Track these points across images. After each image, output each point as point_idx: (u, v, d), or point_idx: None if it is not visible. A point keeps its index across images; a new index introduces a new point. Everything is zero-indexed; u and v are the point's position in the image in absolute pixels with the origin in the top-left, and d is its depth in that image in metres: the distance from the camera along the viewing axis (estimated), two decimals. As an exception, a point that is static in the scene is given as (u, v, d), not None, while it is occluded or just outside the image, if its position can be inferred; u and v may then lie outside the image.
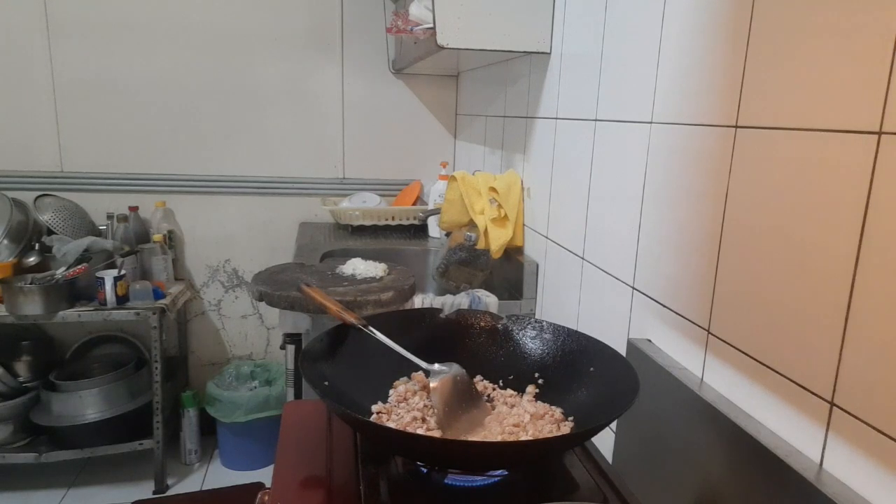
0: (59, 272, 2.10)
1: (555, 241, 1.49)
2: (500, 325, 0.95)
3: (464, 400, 0.82)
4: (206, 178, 2.53)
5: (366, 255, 1.42)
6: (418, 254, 2.15)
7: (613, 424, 1.09)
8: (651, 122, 1.03)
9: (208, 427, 2.49)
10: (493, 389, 0.89)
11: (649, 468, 0.95)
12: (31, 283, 2.06)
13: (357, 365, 0.86)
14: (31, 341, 2.42)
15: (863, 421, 0.62)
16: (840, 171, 0.65)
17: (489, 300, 1.53)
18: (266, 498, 0.78)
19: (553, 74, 1.50)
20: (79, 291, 2.17)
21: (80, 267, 2.11)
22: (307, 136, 2.57)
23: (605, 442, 1.12)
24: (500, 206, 1.67)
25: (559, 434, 0.78)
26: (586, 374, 0.85)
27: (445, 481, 0.74)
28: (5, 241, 2.18)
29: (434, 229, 2.29)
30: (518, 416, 0.81)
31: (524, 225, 1.71)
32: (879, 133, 0.60)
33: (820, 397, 0.67)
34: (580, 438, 0.75)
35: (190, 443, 2.47)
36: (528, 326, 0.93)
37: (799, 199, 0.70)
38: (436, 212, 2.09)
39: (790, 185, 0.72)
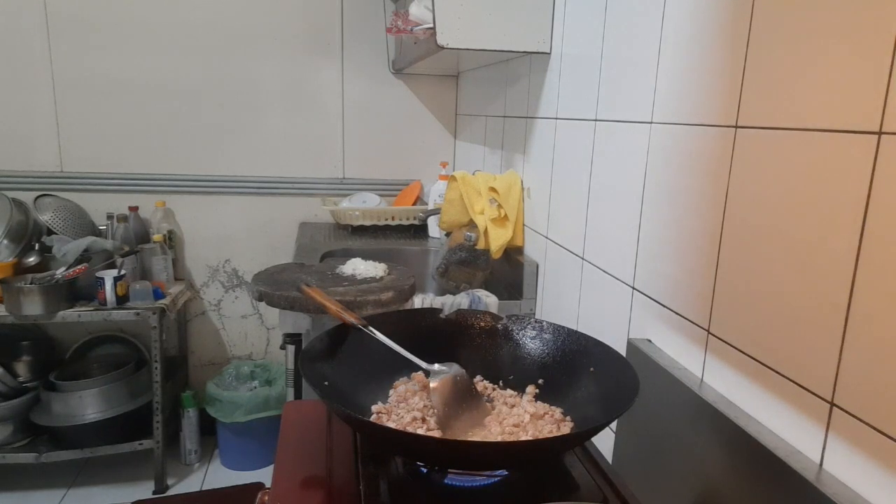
0: (59, 272, 2.10)
1: (555, 241, 1.49)
2: (500, 325, 0.95)
3: (464, 400, 0.82)
4: (206, 178, 2.53)
5: (366, 255, 1.42)
6: (418, 254, 2.15)
7: (613, 424, 1.09)
8: (651, 122, 1.03)
9: (208, 427, 2.49)
10: (493, 389, 0.89)
11: (649, 468, 0.95)
12: (31, 283, 2.06)
13: (357, 365, 0.86)
14: (31, 341, 2.43)
15: (863, 421, 0.62)
16: (840, 171, 0.65)
17: (489, 300, 1.53)
18: (266, 498, 0.78)
19: (553, 74, 1.50)
20: (79, 291, 2.17)
21: (80, 267, 2.11)
22: (307, 136, 2.57)
23: (605, 442, 1.12)
24: (500, 206, 1.67)
25: (559, 434, 0.78)
26: (586, 374, 0.85)
27: (445, 481, 0.74)
28: (5, 241, 2.18)
29: (434, 229, 2.29)
30: (518, 416, 0.81)
31: (524, 225, 1.71)
32: (879, 133, 0.60)
33: (820, 397, 0.67)
34: (580, 438, 0.75)
35: (190, 443, 2.47)
36: (528, 326, 0.93)
37: (799, 199, 0.70)
38: (436, 212, 2.09)
39: (790, 185, 0.72)
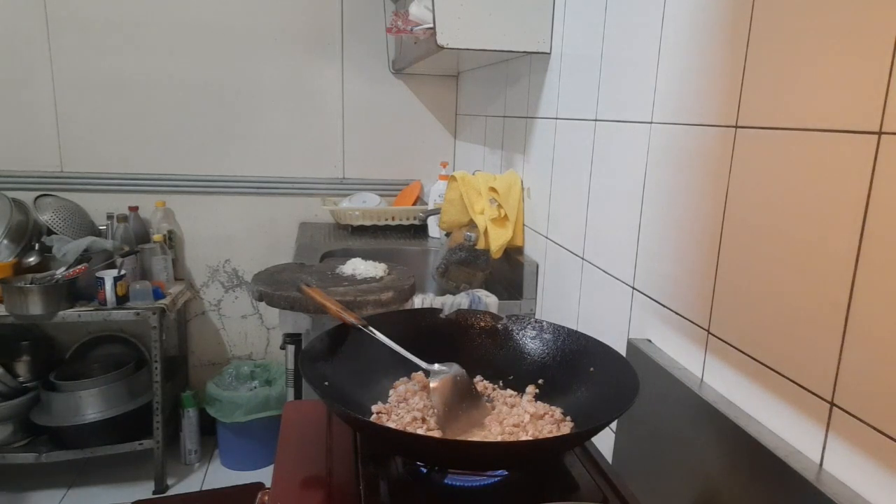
0: (59, 272, 2.10)
1: (555, 241, 1.49)
2: (500, 325, 0.95)
3: (464, 400, 0.82)
4: (206, 178, 2.53)
5: (366, 255, 1.42)
6: (418, 254, 2.15)
7: (613, 424, 1.09)
8: (651, 122, 1.03)
9: (208, 427, 2.49)
10: (493, 389, 0.89)
11: (649, 468, 0.95)
12: (31, 283, 2.06)
13: (357, 365, 0.86)
14: (31, 341, 2.42)
15: (863, 421, 0.62)
16: (840, 171, 0.65)
17: (489, 300, 1.53)
18: (266, 498, 0.78)
19: (553, 74, 1.50)
20: (79, 291, 2.17)
21: (80, 267, 2.11)
22: (307, 136, 2.57)
23: (605, 442, 1.12)
24: (500, 206, 1.67)
25: (559, 434, 0.78)
26: (586, 374, 0.85)
27: (445, 481, 0.74)
28: (5, 241, 2.18)
29: (434, 229, 2.29)
30: (518, 416, 0.81)
31: (524, 225, 1.71)
32: (879, 133, 0.60)
33: (820, 397, 0.67)
34: (580, 438, 0.75)
35: (190, 443, 2.47)
36: (528, 326, 0.93)
37: (799, 198, 0.70)
38: (436, 212, 2.09)
39: (790, 184, 0.72)
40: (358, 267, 1.37)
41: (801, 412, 0.70)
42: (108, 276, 2.13)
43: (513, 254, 1.71)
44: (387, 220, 2.37)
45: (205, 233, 2.57)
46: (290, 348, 1.63)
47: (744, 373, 0.80)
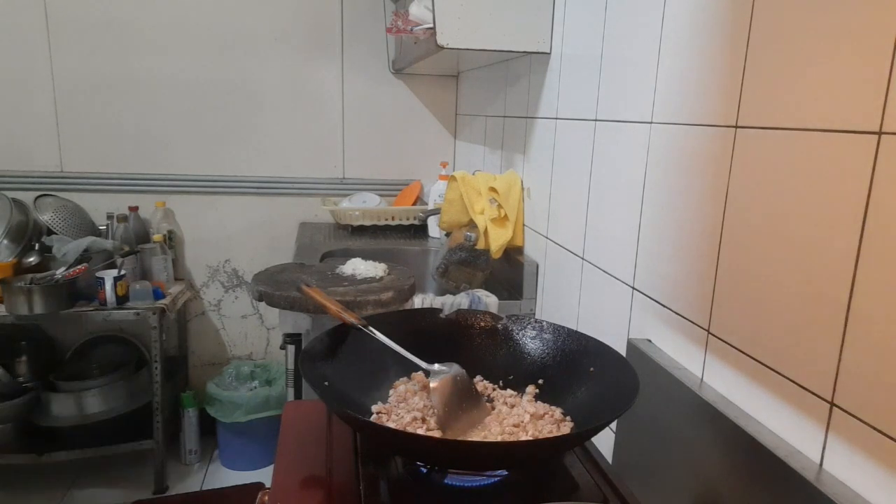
0: (59, 272, 2.10)
1: (555, 241, 1.49)
2: (500, 325, 0.95)
3: (464, 400, 0.82)
4: (206, 178, 2.53)
5: (366, 255, 1.42)
6: (418, 254, 2.15)
7: (613, 424, 1.09)
8: (651, 122, 1.03)
9: (208, 427, 2.49)
10: (493, 389, 0.89)
11: (649, 468, 0.95)
12: (31, 283, 2.06)
13: (357, 365, 0.86)
14: (31, 341, 2.42)
15: (863, 421, 0.62)
16: (840, 171, 0.65)
17: (489, 300, 1.53)
18: (266, 498, 0.78)
19: (553, 74, 1.50)
20: (79, 291, 2.17)
21: (80, 267, 2.11)
22: (307, 136, 2.57)
23: (605, 442, 1.12)
24: (500, 206, 1.67)
25: (559, 434, 0.78)
26: (586, 374, 0.85)
27: (445, 481, 0.74)
28: (5, 241, 2.18)
29: (434, 229, 2.29)
30: (518, 416, 0.81)
31: (524, 225, 1.71)
32: (879, 133, 0.60)
33: (820, 397, 0.67)
34: (580, 438, 0.75)
35: (190, 443, 2.47)
36: (528, 326, 0.93)
37: (799, 198, 0.70)
38: (436, 212, 2.09)
39: (790, 185, 0.72)
40: (358, 267, 1.37)
41: (801, 412, 0.70)
42: (108, 276, 2.12)
43: (513, 254, 1.71)
44: (387, 220, 2.37)
45: (205, 233, 2.57)
46: (290, 348, 1.63)
47: (744, 373, 0.80)
